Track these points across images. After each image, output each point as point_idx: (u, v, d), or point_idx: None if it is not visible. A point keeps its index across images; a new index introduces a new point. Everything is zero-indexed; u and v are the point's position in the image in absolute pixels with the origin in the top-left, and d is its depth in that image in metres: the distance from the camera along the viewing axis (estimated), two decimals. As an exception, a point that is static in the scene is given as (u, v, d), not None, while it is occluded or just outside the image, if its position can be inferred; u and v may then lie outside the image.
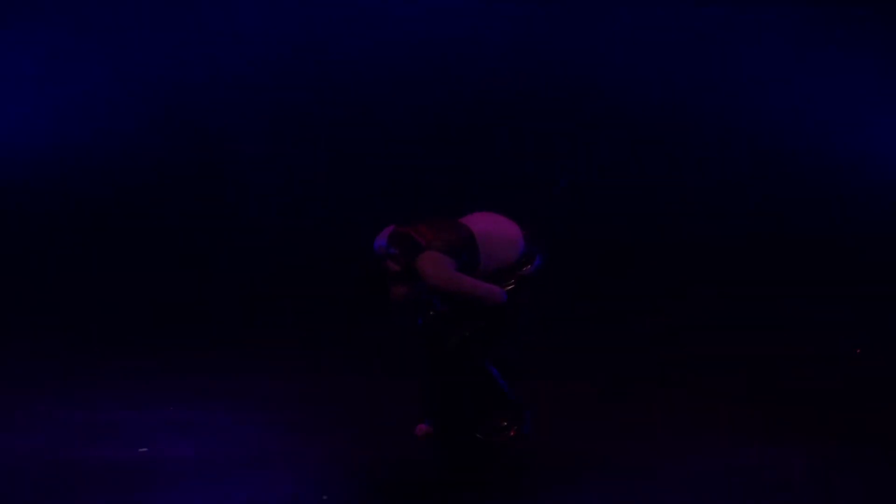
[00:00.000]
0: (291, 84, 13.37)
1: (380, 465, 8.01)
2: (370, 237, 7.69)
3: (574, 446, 8.38)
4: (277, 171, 13.50)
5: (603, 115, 13.37)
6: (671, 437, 8.67)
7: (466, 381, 7.73)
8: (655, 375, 10.27)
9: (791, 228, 13.08)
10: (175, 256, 12.94)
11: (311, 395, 9.73)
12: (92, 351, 10.90)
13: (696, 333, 11.54)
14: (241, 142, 13.57)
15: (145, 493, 7.57)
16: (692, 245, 13.00)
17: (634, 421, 9.04)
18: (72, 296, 12.34)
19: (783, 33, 13.48)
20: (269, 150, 13.56)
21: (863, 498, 7.66)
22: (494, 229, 7.83)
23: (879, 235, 13.00)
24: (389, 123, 13.40)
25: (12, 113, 13.27)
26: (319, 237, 12.92)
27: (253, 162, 13.51)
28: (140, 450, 8.35)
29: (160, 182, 13.36)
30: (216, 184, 13.48)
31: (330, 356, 10.70)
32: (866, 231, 12.99)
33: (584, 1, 13.57)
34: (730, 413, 9.21)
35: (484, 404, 7.82)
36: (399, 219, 7.78)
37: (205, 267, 12.98)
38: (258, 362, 10.66)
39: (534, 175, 12.81)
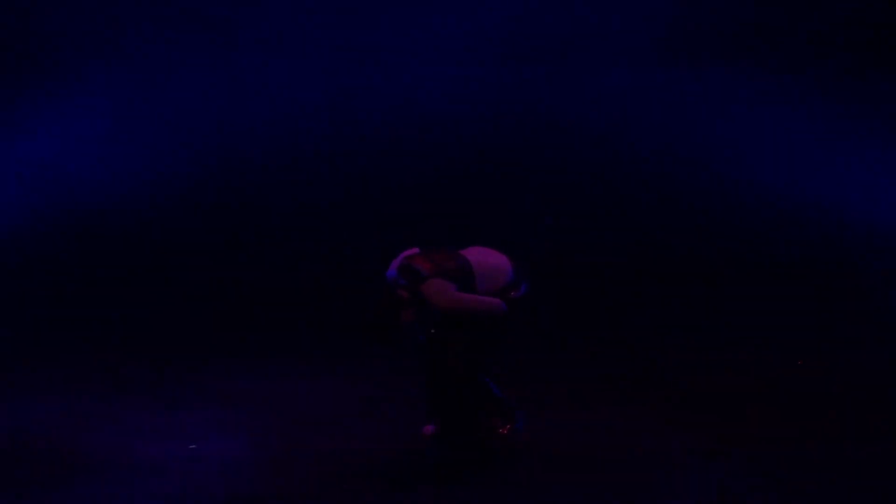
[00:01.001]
0: (316, 134, 13.64)
1: (392, 460, 8.28)
2: (383, 264, 8.10)
3: (560, 443, 8.59)
4: (302, 208, 13.68)
5: (586, 164, 13.48)
6: (650, 435, 8.80)
7: (464, 389, 8.07)
8: (635, 379, 10.34)
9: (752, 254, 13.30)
10: (219, 283, 13.20)
11: (333, 400, 9.82)
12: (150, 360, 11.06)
13: (668, 342, 11.59)
14: (271, 185, 13.69)
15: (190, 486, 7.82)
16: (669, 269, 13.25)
17: (615, 420, 9.20)
18: (136, 315, 12.43)
19: (750, 93, 13.57)
20: (295, 189, 13.69)
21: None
22: (487, 259, 8.22)
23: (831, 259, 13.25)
24: (400, 169, 13.56)
25: (84, 165, 13.44)
26: (339, 266, 13.16)
27: (281, 198, 13.65)
28: (190, 447, 8.61)
29: (204, 217, 13.59)
30: (250, 216, 13.75)
31: (350, 370, 10.71)
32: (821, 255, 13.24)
33: (573, 65, 13.56)
34: (698, 414, 9.32)
35: (480, 408, 8.18)
36: (408, 248, 8.25)
37: (241, 290, 13.13)
38: (287, 368, 10.80)
39: (524, 214, 13.15)
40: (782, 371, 10.37)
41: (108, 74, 13.51)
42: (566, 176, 13.52)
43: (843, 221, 13.35)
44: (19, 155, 13.62)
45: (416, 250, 8.20)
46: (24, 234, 13.45)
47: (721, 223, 13.55)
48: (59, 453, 8.51)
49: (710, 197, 13.49)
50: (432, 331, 8.10)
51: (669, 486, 7.84)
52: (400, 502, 7.71)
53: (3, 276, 13.21)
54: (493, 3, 13.45)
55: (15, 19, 13.33)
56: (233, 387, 10.24)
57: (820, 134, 13.42)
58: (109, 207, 13.47)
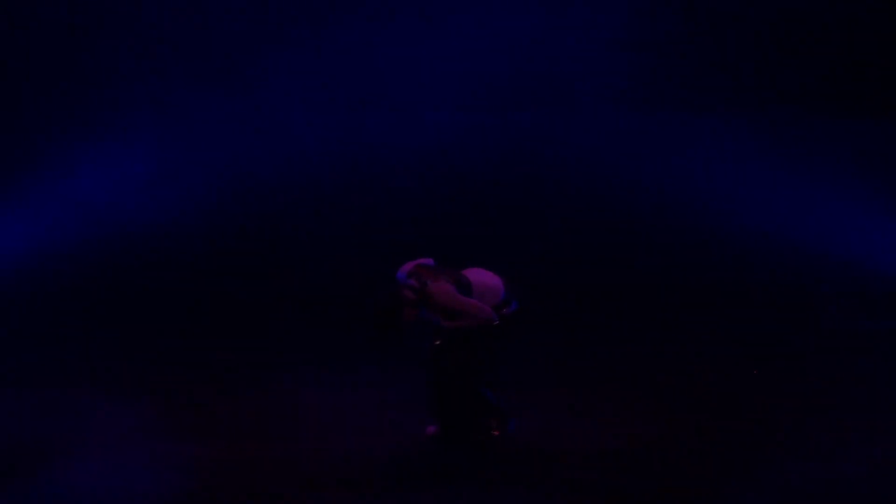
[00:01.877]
0: (329, 172, 13.95)
1: (398, 457, 8.44)
2: (386, 280, 8.41)
3: (549, 442, 8.72)
4: (316, 236, 14.08)
5: (569, 198, 13.71)
6: (631, 433, 8.92)
7: (463, 395, 8.37)
8: (621, 383, 10.45)
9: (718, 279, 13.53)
10: (242, 296, 13.42)
11: (344, 403, 9.93)
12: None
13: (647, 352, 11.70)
14: (290, 215, 14.01)
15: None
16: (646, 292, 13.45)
17: (600, 421, 9.32)
18: (172, 326, 12.59)
19: (715, 134, 13.89)
20: (310, 219, 14.04)
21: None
22: (484, 278, 8.47)
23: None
24: (403, 200, 13.92)
25: (131, 201, 13.69)
26: (347, 283, 13.25)
27: (298, 226, 14.00)
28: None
29: (232, 242, 13.93)
30: (271, 242, 13.98)
31: (361, 377, 10.74)
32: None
33: (557, 111, 13.86)
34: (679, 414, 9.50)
35: (476, 412, 8.45)
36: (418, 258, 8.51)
37: (261, 302, 13.34)
38: (302, 374, 10.81)
39: (515, 241, 13.39)
40: (739, 375, 10.61)
41: (151, 124, 13.81)
42: (552, 208, 13.75)
43: (795, 248, 13.35)
44: (77, 193, 13.72)
45: (429, 260, 8.48)
46: (81, 258, 13.59)
47: (687, 249, 13.68)
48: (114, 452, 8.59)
49: (677, 226, 13.69)
50: (437, 342, 8.37)
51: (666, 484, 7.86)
52: (404, 495, 7.78)
53: (64, 295, 13.35)
54: (485, 59, 13.61)
55: (73, 81, 13.59)
56: (253, 390, 10.35)
57: (775, 170, 13.49)
58: (152, 235, 13.67)
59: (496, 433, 8.53)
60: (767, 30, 13.52)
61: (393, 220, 13.61)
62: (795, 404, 9.73)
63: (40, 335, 12.29)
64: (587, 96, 13.39)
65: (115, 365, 11.31)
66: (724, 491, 7.75)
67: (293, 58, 13.72)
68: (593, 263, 13.64)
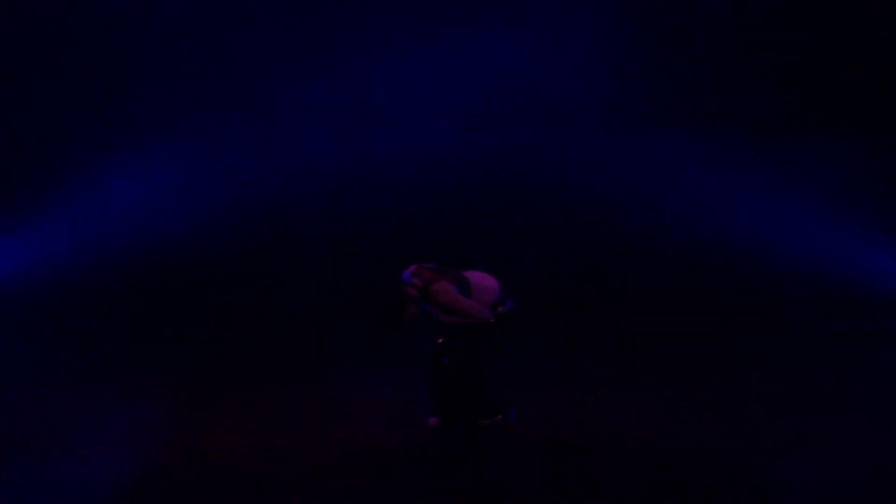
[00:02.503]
0: (337, 185, 13.84)
1: (403, 445, 8.56)
2: (390, 282, 8.48)
3: (546, 430, 8.87)
4: (326, 244, 13.93)
5: (558, 210, 13.73)
6: (624, 423, 9.10)
7: (462, 389, 8.52)
8: (610, 380, 10.65)
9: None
10: (258, 301, 13.61)
11: (355, 397, 10.08)
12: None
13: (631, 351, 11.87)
14: (301, 225, 13.99)
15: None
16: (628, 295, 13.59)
17: (590, 410, 9.50)
18: (195, 329, 12.86)
19: (693, 152, 13.65)
20: (320, 228, 13.97)
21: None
22: (481, 279, 8.63)
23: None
24: (407, 210, 13.82)
25: (158, 212, 13.78)
26: (355, 288, 13.27)
27: (309, 235, 13.93)
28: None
29: (250, 249, 13.92)
30: (286, 249, 13.99)
31: (369, 374, 10.88)
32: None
33: (545, 130, 13.81)
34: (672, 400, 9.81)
35: (474, 404, 8.58)
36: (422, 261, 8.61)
37: (277, 307, 13.53)
38: (319, 372, 11.02)
39: (510, 249, 13.57)
40: (716, 371, 10.88)
41: (176, 142, 13.81)
42: (542, 219, 13.79)
43: (767, 257, 13.39)
44: (110, 204, 13.69)
45: (432, 264, 8.60)
46: (111, 264, 13.69)
47: (669, 258, 13.63)
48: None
49: (658, 236, 13.57)
50: (439, 340, 8.52)
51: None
52: (408, 479, 7.82)
53: (100, 297, 13.57)
54: (480, 83, 13.66)
55: (110, 105, 13.69)
56: (273, 385, 10.58)
57: (747, 186, 13.49)
58: (177, 243, 13.66)
59: (493, 424, 8.61)
60: (739, 60, 13.50)
61: (398, 229, 13.74)
62: (769, 398, 9.90)
63: (78, 333, 12.56)
64: (570, 117, 13.54)
65: (143, 360, 11.55)
66: (708, 478, 7.79)
67: (305, 84, 13.63)
68: (579, 268, 13.81)
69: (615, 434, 8.81)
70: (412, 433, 8.80)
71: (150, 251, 13.69)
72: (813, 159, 13.56)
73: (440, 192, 13.72)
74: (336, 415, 9.49)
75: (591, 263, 13.73)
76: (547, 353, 11.62)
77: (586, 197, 13.58)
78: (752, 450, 8.38)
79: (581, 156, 13.68)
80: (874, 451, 8.35)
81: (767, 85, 13.50)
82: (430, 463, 8.22)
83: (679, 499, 7.35)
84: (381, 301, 8.53)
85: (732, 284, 13.47)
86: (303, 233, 14.00)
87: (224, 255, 13.86)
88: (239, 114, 13.83)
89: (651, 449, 8.42)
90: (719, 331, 12.56)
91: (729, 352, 11.66)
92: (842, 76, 13.44)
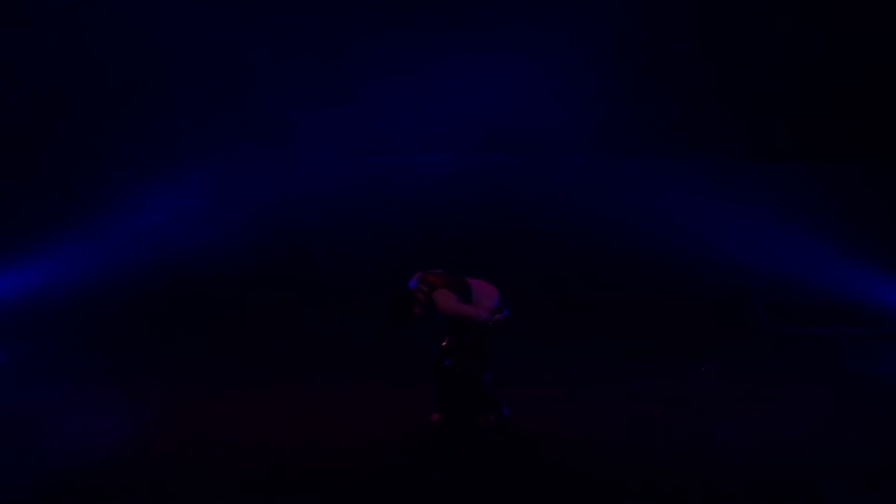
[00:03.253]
0: (352, 205, 14.12)
1: (409, 439, 8.74)
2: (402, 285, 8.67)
3: (536, 426, 9.06)
4: (341, 259, 14.20)
5: (547, 225, 13.97)
6: (608, 421, 9.23)
7: (463, 388, 8.83)
8: (596, 382, 10.63)
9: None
10: (279, 312, 13.70)
11: (368, 395, 10.19)
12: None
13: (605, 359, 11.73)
14: (319, 240, 14.25)
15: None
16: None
17: (580, 411, 9.60)
18: (225, 337, 12.83)
19: (665, 174, 13.90)
20: (337, 245, 14.28)
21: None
22: (483, 287, 8.92)
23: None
24: (415, 226, 14.02)
25: (189, 231, 14.01)
26: (370, 298, 12.35)
27: (329, 256, 14.24)
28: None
29: (272, 265, 14.17)
30: (305, 268, 14.27)
31: (381, 376, 10.89)
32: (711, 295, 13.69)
33: (533, 153, 14.07)
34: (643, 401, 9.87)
35: (473, 402, 8.86)
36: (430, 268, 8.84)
37: (298, 316, 13.62)
38: (338, 373, 11.03)
39: (504, 263, 13.27)
40: (691, 371, 10.98)
41: (205, 167, 14.06)
42: (533, 234, 13.99)
43: (733, 268, 13.61)
44: (144, 223, 13.96)
45: (438, 271, 8.79)
46: (143, 279, 13.95)
47: (648, 268, 13.83)
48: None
49: (635, 249, 13.73)
50: (443, 344, 8.80)
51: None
52: (414, 469, 7.99)
53: (134, 307, 13.77)
54: (475, 111, 13.88)
55: (144, 132, 13.96)
56: (292, 384, 10.60)
57: (717, 205, 13.58)
58: (206, 259, 13.91)
59: (492, 419, 8.85)
60: (713, 89, 13.64)
61: (403, 244, 13.80)
62: (738, 393, 10.18)
63: (116, 340, 12.66)
64: (559, 143, 13.71)
65: (173, 363, 11.62)
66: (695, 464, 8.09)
67: (320, 114, 13.93)
68: (565, 278, 13.93)
69: (603, 429, 8.95)
70: (417, 427, 8.93)
71: (180, 266, 13.88)
72: (778, 183, 13.78)
73: (443, 209, 13.88)
74: (353, 409, 9.58)
75: (574, 272, 13.87)
76: (534, 353, 11.66)
77: (571, 215, 13.83)
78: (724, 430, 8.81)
79: (562, 179, 13.92)
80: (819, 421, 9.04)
81: (736, 115, 13.74)
82: (432, 453, 8.38)
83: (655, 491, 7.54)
84: (389, 302, 8.71)
85: (704, 292, 13.62)
86: (320, 250, 14.20)
87: (247, 270, 14.02)
88: (262, 142, 14.05)
89: (636, 445, 8.57)
90: (695, 336, 12.67)
91: (704, 354, 11.76)
92: (808, 106, 13.65)
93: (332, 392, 10.26)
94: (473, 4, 13.70)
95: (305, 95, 13.88)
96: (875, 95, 13.38)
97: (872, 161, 13.61)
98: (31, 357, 11.85)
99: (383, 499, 7.51)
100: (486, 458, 8.25)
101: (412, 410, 9.37)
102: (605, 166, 13.87)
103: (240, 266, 14.02)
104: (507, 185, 13.95)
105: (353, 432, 8.87)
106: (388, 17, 13.65)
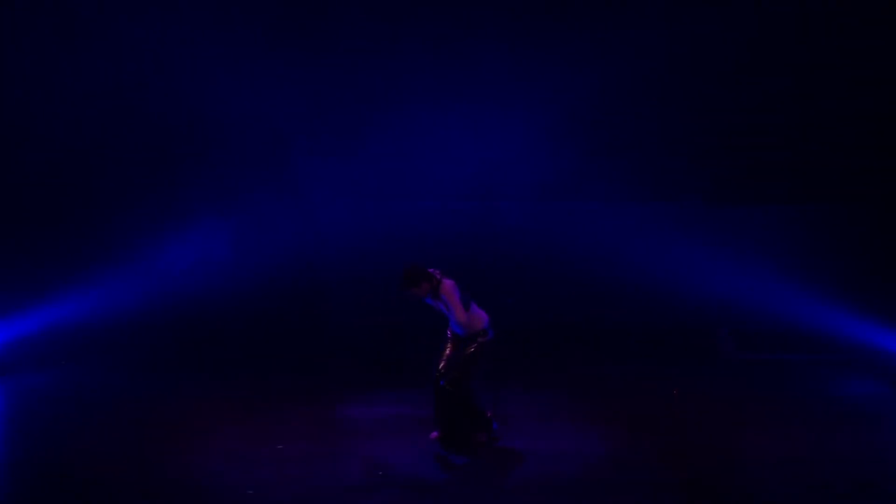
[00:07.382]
0: (364, 246, 14.12)
1: (409, 453, 9.13)
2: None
3: (523, 443, 9.37)
4: (355, 298, 14.29)
5: (537, 263, 13.93)
6: (592, 438, 9.56)
7: (457, 409, 9.21)
8: (577, 401, 10.87)
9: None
10: (299, 341, 13.78)
11: (372, 415, 10.36)
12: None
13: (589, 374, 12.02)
14: (334, 280, 14.40)
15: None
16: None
17: (564, 427, 9.92)
18: (250, 367, 12.74)
19: (638, 217, 14.02)
20: (350, 284, 14.36)
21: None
22: (477, 309, 9.34)
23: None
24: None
25: (209, 274, 14.04)
26: (383, 327, 13.72)
27: (341, 294, 14.40)
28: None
29: (291, 303, 14.24)
30: (319, 305, 14.40)
31: (384, 398, 10.98)
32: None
33: (524, 199, 14.14)
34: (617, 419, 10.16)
35: (468, 421, 9.24)
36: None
37: (317, 344, 13.66)
38: (344, 396, 11.13)
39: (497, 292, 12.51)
40: (663, 393, 11.10)
41: (223, 216, 14.16)
42: (523, 270, 14.10)
43: (701, 300, 13.71)
44: (163, 266, 14.01)
45: (437, 271, 9.19)
46: (170, 319, 13.90)
47: (621, 302, 13.98)
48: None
49: (611, 284, 13.84)
50: (440, 367, 9.24)
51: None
52: (413, 482, 8.36)
53: (160, 342, 13.69)
54: (463, 162, 14.14)
55: (167, 185, 13.99)
56: (307, 406, 10.75)
57: (685, 244, 13.72)
58: (228, 299, 13.96)
59: (484, 436, 9.26)
60: (682, 135, 13.83)
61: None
62: (706, 414, 10.46)
63: (152, 368, 12.68)
64: (544, 189, 13.96)
65: (202, 390, 11.78)
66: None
67: (331, 166, 14.19)
68: (547, 310, 14.02)
69: (585, 444, 9.30)
70: (417, 444, 9.23)
71: (202, 306, 13.93)
72: (744, 223, 13.90)
73: (442, 251, 13.58)
74: (359, 428, 9.83)
75: (552, 306, 14.02)
76: (525, 374, 11.83)
77: (559, 252, 13.93)
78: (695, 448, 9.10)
79: (555, 217, 14.00)
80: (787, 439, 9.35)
81: (704, 160, 13.87)
82: (431, 468, 8.69)
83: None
84: (407, 270, 9.10)
85: (674, 323, 13.79)
86: (334, 290, 14.33)
87: (267, 309, 14.06)
88: (278, 191, 14.21)
89: (616, 457, 8.95)
90: (663, 360, 12.82)
91: (672, 378, 11.93)
92: (768, 148, 13.89)
93: (344, 413, 10.44)
94: (470, 81, 14.03)
95: (322, 151, 14.22)
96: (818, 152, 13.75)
97: (819, 205, 13.81)
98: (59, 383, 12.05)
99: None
100: (480, 469, 8.67)
101: (413, 429, 9.67)
102: (586, 211, 14.08)
103: (260, 306, 14.08)
104: (497, 227, 14.15)
105: (362, 448, 9.23)
106: (390, 95, 14.02)
